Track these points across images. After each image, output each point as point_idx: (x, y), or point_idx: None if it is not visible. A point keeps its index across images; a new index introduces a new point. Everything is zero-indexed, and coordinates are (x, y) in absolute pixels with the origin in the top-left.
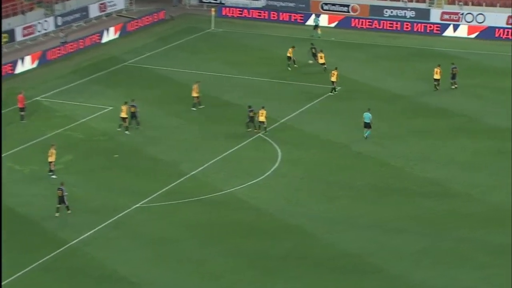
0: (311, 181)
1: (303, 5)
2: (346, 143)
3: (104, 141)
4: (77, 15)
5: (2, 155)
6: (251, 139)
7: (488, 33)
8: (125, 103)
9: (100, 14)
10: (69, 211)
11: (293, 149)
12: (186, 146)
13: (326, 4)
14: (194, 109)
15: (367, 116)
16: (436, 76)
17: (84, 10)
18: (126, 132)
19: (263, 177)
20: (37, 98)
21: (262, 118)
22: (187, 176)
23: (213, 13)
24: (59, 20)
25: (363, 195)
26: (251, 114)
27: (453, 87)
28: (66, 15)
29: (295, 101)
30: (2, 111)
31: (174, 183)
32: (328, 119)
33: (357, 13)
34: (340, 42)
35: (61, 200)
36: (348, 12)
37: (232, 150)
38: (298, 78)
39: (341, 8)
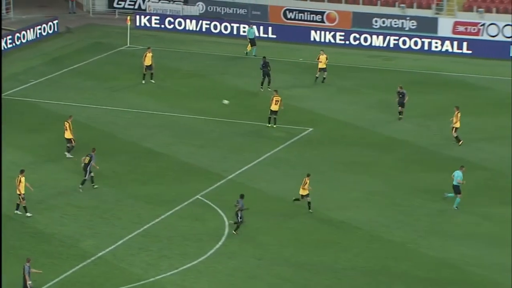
0: (273, 264)
1: (259, 12)
2: (323, 207)
3: None
4: None
5: None
6: (185, 203)
7: None
8: (21, 172)
9: None
10: None
11: (246, 218)
12: (90, 214)
13: (290, 10)
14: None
15: (458, 176)
16: (456, 124)
17: None
18: (28, 214)
19: (203, 258)
20: None
21: (275, 107)
22: (92, 258)
23: (128, 23)
24: None
25: (348, 283)
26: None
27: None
28: None
29: (247, 148)
30: None
31: (73, 269)
32: (296, 174)
33: (335, 23)
34: (310, 64)
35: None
36: (323, 22)
37: (158, 219)
38: (251, 116)
39: (312, 17)
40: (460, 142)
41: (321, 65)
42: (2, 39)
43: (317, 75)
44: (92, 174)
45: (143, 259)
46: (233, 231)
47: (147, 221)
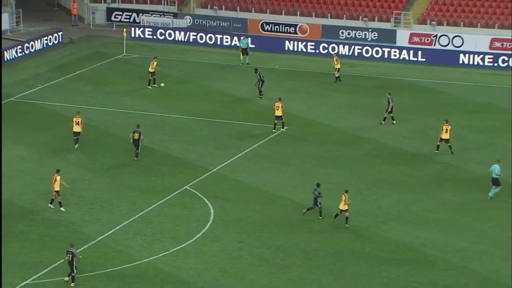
0: (252, 247)
1: (239, 25)
2: (296, 198)
3: None
4: None
5: None
6: (176, 193)
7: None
8: (57, 171)
9: None
10: (72, 284)
11: (229, 206)
12: (91, 203)
13: (267, 23)
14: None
15: (496, 169)
16: (445, 136)
17: None
18: (61, 208)
19: (191, 241)
20: None
21: (277, 112)
22: (94, 242)
23: (124, 34)
24: None
25: (319, 263)
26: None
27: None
28: None
29: (230, 145)
30: None
31: (77, 251)
32: (273, 168)
33: (306, 34)
34: (286, 70)
35: (71, 266)
36: (296, 33)
37: (152, 207)
38: (234, 116)
39: (286, 29)
40: (451, 150)
41: (337, 66)
42: (12, 49)
43: (337, 75)
44: (139, 150)
45: (138, 242)
46: (319, 217)
47: (142, 208)
